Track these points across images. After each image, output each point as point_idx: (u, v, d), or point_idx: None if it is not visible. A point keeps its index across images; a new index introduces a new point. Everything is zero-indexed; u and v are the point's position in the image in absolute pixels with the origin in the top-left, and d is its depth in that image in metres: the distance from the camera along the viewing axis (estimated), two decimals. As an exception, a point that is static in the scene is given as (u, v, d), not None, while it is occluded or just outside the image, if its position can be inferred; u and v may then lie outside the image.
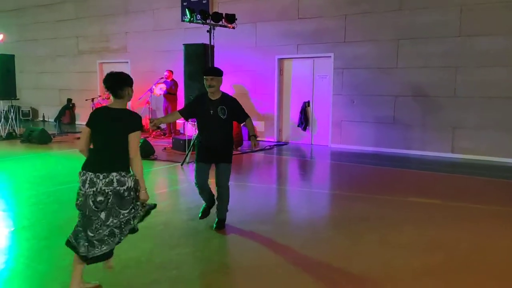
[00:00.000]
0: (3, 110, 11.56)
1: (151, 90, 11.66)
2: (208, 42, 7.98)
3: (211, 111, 4.27)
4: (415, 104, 9.31)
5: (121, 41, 13.89)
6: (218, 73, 4.38)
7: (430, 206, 5.44)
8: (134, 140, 2.97)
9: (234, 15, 8.40)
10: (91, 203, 2.87)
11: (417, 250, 4.01)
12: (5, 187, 6.47)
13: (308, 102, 10.79)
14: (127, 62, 13.74)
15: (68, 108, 15.05)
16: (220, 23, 8.16)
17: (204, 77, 4.33)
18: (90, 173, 2.89)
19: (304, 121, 10.79)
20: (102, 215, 2.89)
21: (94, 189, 2.86)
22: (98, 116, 3.06)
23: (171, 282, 3.36)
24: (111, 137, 2.97)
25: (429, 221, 4.85)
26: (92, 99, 12.18)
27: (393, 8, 9.36)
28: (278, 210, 5.53)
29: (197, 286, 3.27)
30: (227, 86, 11.61)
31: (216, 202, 4.52)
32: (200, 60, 7.89)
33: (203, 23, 7.95)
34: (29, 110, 16.18)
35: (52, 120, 14.76)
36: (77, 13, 14.80)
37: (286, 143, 10.97)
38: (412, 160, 8.75)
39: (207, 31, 7.99)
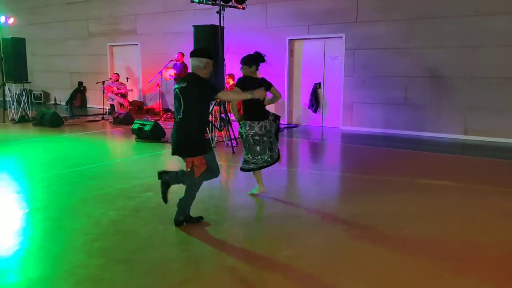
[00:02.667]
0: (15, 94, 11.63)
1: (160, 73, 11.61)
2: (218, 24, 7.89)
3: None
4: (429, 85, 9.14)
5: (130, 24, 13.81)
6: None
7: (443, 188, 5.38)
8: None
9: (244, -5, 8.25)
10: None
11: (429, 233, 3.97)
12: (19, 169, 6.55)
13: (319, 83, 10.67)
14: (137, 44, 13.69)
15: (80, 91, 15.15)
16: (230, 3, 8.05)
17: (210, 60, 3.96)
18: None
19: (314, 103, 10.69)
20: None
21: None
22: None
23: (183, 262, 3.39)
24: None
25: (441, 203, 4.80)
26: (103, 82, 12.20)
27: (407, -14, 9.12)
28: (289, 193, 5.51)
29: (207, 267, 3.28)
30: (236, 68, 11.51)
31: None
32: (210, 42, 7.81)
33: (212, 4, 7.84)
34: (41, 94, 16.28)
35: (64, 103, 14.87)
36: (87, -5, 14.73)
37: (296, 126, 10.90)
38: (424, 142, 8.63)
39: (217, 12, 7.89)
